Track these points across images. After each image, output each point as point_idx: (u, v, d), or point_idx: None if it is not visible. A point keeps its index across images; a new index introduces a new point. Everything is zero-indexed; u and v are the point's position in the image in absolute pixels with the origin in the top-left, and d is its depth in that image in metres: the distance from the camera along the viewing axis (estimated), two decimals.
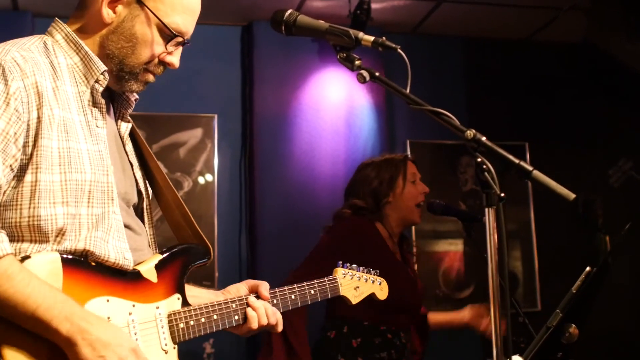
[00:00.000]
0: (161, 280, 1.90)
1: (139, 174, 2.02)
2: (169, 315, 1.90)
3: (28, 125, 1.71)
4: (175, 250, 1.97)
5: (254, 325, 2.04)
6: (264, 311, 2.05)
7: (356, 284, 2.35)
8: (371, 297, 2.42)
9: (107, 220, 1.82)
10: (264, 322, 2.05)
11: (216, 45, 5.15)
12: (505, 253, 1.62)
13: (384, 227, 3.50)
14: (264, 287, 2.10)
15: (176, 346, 1.91)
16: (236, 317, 2.03)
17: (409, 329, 3.51)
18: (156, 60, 1.91)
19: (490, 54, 5.67)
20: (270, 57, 5.08)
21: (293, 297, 2.15)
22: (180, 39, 1.92)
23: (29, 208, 1.71)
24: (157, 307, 1.88)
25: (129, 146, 2.01)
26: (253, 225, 4.96)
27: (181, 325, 1.92)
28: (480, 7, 5.15)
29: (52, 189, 1.72)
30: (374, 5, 4.82)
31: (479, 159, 1.63)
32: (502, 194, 1.61)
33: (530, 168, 1.61)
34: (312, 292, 2.21)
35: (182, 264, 1.97)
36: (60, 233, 1.73)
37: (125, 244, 1.86)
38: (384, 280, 2.46)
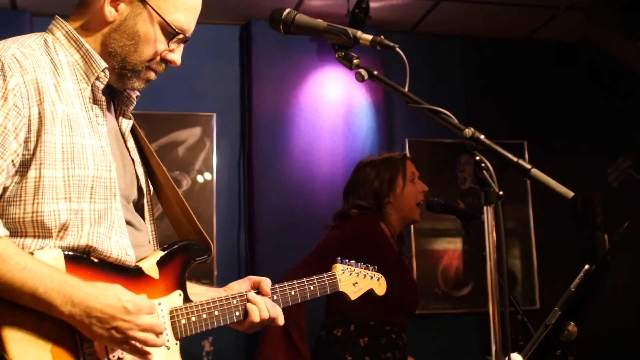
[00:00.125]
0: (163, 277, 1.91)
1: (140, 171, 2.02)
2: (171, 312, 1.91)
3: (29, 120, 1.72)
4: (176, 246, 1.98)
5: (256, 318, 2.04)
6: (264, 305, 2.06)
7: (355, 279, 2.36)
8: (370, 293, 2.43)
9: (109, 216, 1.83)
10: (265, 315, 2.05)
11: (215, 44, 5.15)
12: (504, 251, 1.62)
13: (386, 226, 3.51)
14: (265, 283, 2.11)
15: (178, 342, 1.92)
16: (237, 313, 2.04)
17: (406, 330, 3.52)
18: (158, 58, 1.92)
19: (489, 53, 5.68)
20: (268, 56, 5.08)
21: (293, 293, 2.16)
22: (182, 37, 1.92)
23: (33, 204, 1.71)
24: (159, 304, 1.89)
25: (131, 143, 2.02)
26: (252, 223, 4.96)
27: (183, 321, 1.92)
28: (479, 5, 5.16)
29: (55, 185, 1.73)
30: (372, 4, 4.82)
31: (478, 157, 1.63)
32: (501, 192, 1.61)
33: (528, 166, 1.61)
34: (312, 288, 2.21)
35: (184, 260, 1.98)
36: (63, 228, 1.74)
37: (127, 240, 1.87)
38: (382, 276, 2.47)
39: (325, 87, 5.13)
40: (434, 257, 5.32)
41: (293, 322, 3.27)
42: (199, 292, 2.05)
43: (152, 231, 2.05)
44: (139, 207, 2.02)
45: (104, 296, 1.70)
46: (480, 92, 5.57)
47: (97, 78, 1.86)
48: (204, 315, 1.97)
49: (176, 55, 1.95)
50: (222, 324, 2.01)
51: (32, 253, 1.70)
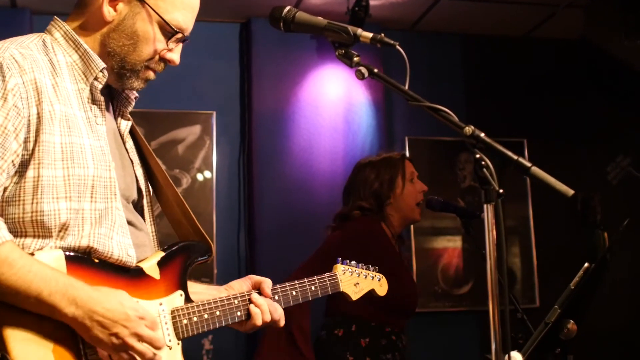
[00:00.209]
0: (164, 277, 1.91)
1: (139, 172, 2.02)
2: (172, 312, 1.91)
3: (28, 120, 1.72)
4: (177, 247, 1.98)
5: (258, 322, 2.04)
6: (267, 308, 2.06)
7: (356, 280, 2.35)
8: (371, 294, 2.43)
9: (110, 215, 1.82)
10: (268, 318, 2.06)
11: (215, 42, 5.15)
12: (504, 249, 1.62)
13: (387, 227, 3.51)
14: (266, 284, 2.10)
15: (180, 342, 1.92)
16: (239, 314, 2.03)
17: (405, 332, 3.53)
18: (157, 57, 1.92)
19: (489, 51, 5.67)
20: (268, 54, 5.08)
21: (294, 293, 2.16)
22: (180, 36, 1.93)
23: (32, 203, 1.71)
24: (160, 304, 1.89)
25: (129, 144, 2.02)
26: (252, 221, 4.96)
27: (184, 321, 1.92)
28: (479, 4, 5.16)
29: (55, 184, 1.73)
30: (372, 2, 4.82)
31: (478, 155, 1.63)
32: (501, 190, 1.61)
33: (528, 164, 1.61)
34: (313, 288, 2.21)
35: (184, 260, 1.98)
36: (63, 228, 1.74)
37: (129, 239, 1.87)
38: (383, 277, 2.47)
39: (325, 85, 5.13)
40: (433, 255, 5.32)
41: (296, 324, 3.28)
42: (199, 290, 2.05)
43: (152, 232, 2.05)
44: (138, 208, 2.02)
45: (108, 301, 1.70)
46: (480, 90, 5.57)
47: (96, 78, 1.86)
48: (206, 316, 1.96)
49: (175, 55, 1.95)
50: (223, 324, 2.01)
51: (32, 254, 1.69)
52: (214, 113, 5.06)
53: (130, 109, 2.03)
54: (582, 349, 2.39)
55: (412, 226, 5.12)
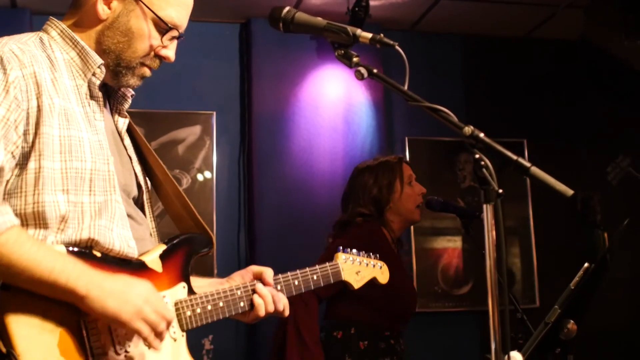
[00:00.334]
0: (166, 270, 1.92)
1: (138, 168, 2.03)
2: (176, 304, 1.92)
3: (28, 113, 1.73)
4: (178, 239, 1.99)
5: (262, 312, 2.05)
6: (271, 298, 2.07)
7: (357, 268, 2.36)
8: (373, 282, 2.42)
9: (110, 208, 1.83)
10: (271, 309, 2.06)
11: (214, 42, 5.16)
12: (504, 250, 1.62)
13: (387, 231, 3.51)
14: (267, 273, 2.11)
15: (184, 334, 1.93)
16: (242, 304, 2.04)
17: (403, 336, 3.53)
18: (152, 54, 1.93)
19: (489, 51, 5.67)
20: (268, 55, 5.08)
21: (296, 282, 2.16)
22: (175, 33, 1.94)
23: (34, 194, 1.72)
24: (164, 296, 1.90)
25: (127, 141, 2.03)
26: (252, 222, 4.96)
27: (188, 313, 1.93)
28: (479, 4, 5.16)
29: (54, 177, 1.74)
30: (372, 2, 4.82)
31: (477, 156, 1.63)
32: (501, 191, 1.61)
33: (528, 164, 1.61)
34: (315, 277, 2.22)
35: (186, 253, 1.99)
36: (63, 220, 1.74)
37: (129, 232, 1.88)
38: (385, 265, 2.47)
39: (324, 85, 5.13)
40: (433, 255, 5.32)
41: (305, 327, 3.27)
42: (201, 284, 2.06)
43: (153, 227, 2.06)
44: (139, 204, 2.03)
45: (119, 277, 1.74)
46: (479, 90, 5.57)
47: (94, 74, 1.88)
48: (209, 307, 1.97)
49: (170, 51, 1.96)
50: (227, 316, 2.01)
51: None
52: (214, 113, 5.06)
53: (127, 106, 2.04)
54: (582, 348, 2.39)
55: (412, 226, 5.12)
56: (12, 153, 1.71)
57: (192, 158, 4.98)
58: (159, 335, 1.76)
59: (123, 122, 2.03)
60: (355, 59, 1.83)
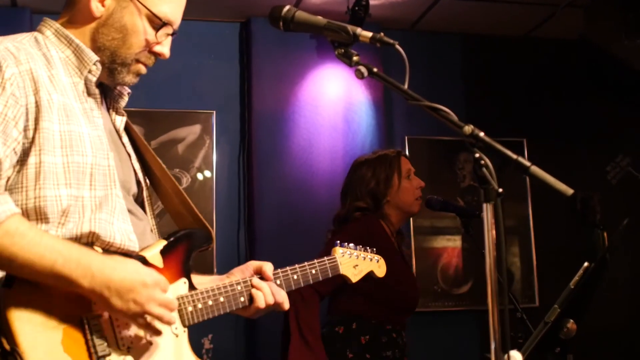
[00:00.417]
0: (167, 266, 1.92)
1: (137, 166, 2.04)
2: (177, 299, 1.92)
3: (26, 109, 1.73)
4: (178, 235, 1.99)
5: (261, 304, 2.05)
6: (269, 290, 2.07)
7: (355, 262, 2.37)
8: (370, 275, 2.43)
9: (110, 202, 1.84)
10: (270, 300, 2.07)
11: (214, 41, 5.16)
12: (504, 249, 1.62)
13: (386, 225, 3.51)
14: (267, 267, 2.12)
15: (186, 329, 1.93)
16: (242, 299, 2.05)
17: (406, 329, 3.54)
18: (147, 50, 1.94)
19: (488, 51, 5.67)
20: (268, 54, 5.08)
21: (295, 277, 2.17)
22: (169, 29, 1.95)
23: (35, 189, 1.72)
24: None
25: (125, 139, 2.04)
26: (251, 221, 4.96)
27: (189, 308, 1.93)
28: (479, 3, 5.16)
29: (55, 171, 1.74)
30: (372, 2, 4.82)
31: (477, 155, 1.63)
32: (500, 190, 1.61)
33: (528, 163, 1.61)
34: (314, 271, 2.23)
35: (187, 248, 1.99)
36: (64, 214, 1.75)
37: (130, 226, 1.88)
38: (382, 258, 2.49)
39: (324, 84, 5.13)
40: (433, 254, 5.32)
41: (306, 325, 3.28)
42: (201, 281, 2.06)
43: (153, 225, 2.07)
44: (138, 202, 2.04)
45: (124, 268, 1.73)
46: (479, 89, 5.57)
47: (90, 71, 1.89)
48: (210, 302, 1.98)
49: (165, 48, 1.97)
50: (227, 311, 2.02)
51: None
52: (214, 112, 5.06)
53: (123, 104, 2.05)
54: (582, 348, 2.39)
55: (411, 225, 5.13)
56: (13, 149, 1.71)
57: (192, 157, 4.98)
58: (166, 322, 1.78)
59: (121, 120, 2.04)
60: (355, 58, 1.82)
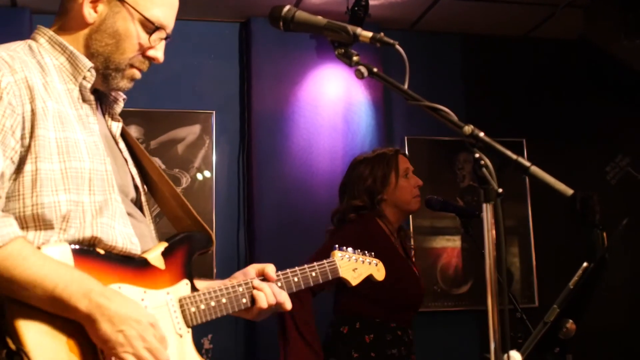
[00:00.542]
0: (169, 267, 1.93)
1: (134, 171, 2.05)
2: (180, 300, 1.93)
3: (23, 117, 1.74)
4: (179, 237, 2.00)
5: (263, 304, 2.06)
6: (270, 290, 2.08)
7: (354, 265, 2.40)
8: (370, 279, 2.45)
9: (110, 206, 1.84)
10: (272, 300, 2.07)
11: (214, 41, 5.16)
12: (503, 249, 1.62)
13: (384, 223, 3.52)
14: (270, 268, 2.13)
15: (190, 330, 1.94)
16: (244, 300, 2.06)
17: (412, 326, 3.54)
18: (140, 55, 1.94)
19: (488, 51, 5.67)
20: (268, 54, 5.08)
21: (296, 279, 2.19)
22: (162, 33, 1.95)
23: (32, 197, 1.72)
24: (168, 293, 1.91)
25: (122, 144, 2.05)
26: (251, 221, 4.96)
27: (192, 309, 1.94)
28: (478, 3, 5.16)
29: (54, 178, 1.74)
30: (372, 2, 4.82)
31: (477, 155, 1.63)
32: (500, 190, 1.61)
33: (528, 164, 1.61)
34: (314, 274, 2.25)
35: (187, 250, 2.00)
36: (65, 220, 1.74)
37: (130, 229, 1.89)
38: (380, 262, 2.52)
39: (324, 84, 5.13)
40: (433, 254, 5.32)
41: (302, 322, 3.29)
42: (203, 285, 2.06)
43: (152, 229, 2.07)
44: (137, 206, 2.03)
45: (123, 301, 1.71)
46: (479, 89, 5.57)
47: (84, 78, 1.89)
48: (212, 303, 1.99)
49: (158, 52, 1.97)
50: (230, 312, 2.03)
51: (38, 248, 1.70)
52: (214, 112, 5.06)
53: (119, 110, 2.06)
54: (581, 348, 2.39)
55: (411, 225, 5.12)
56: (11, 159, 1.71)
57: (191, 157, 4.98)
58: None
59: (117, 126, 2.04)
60: (355, 58, 1.82)
